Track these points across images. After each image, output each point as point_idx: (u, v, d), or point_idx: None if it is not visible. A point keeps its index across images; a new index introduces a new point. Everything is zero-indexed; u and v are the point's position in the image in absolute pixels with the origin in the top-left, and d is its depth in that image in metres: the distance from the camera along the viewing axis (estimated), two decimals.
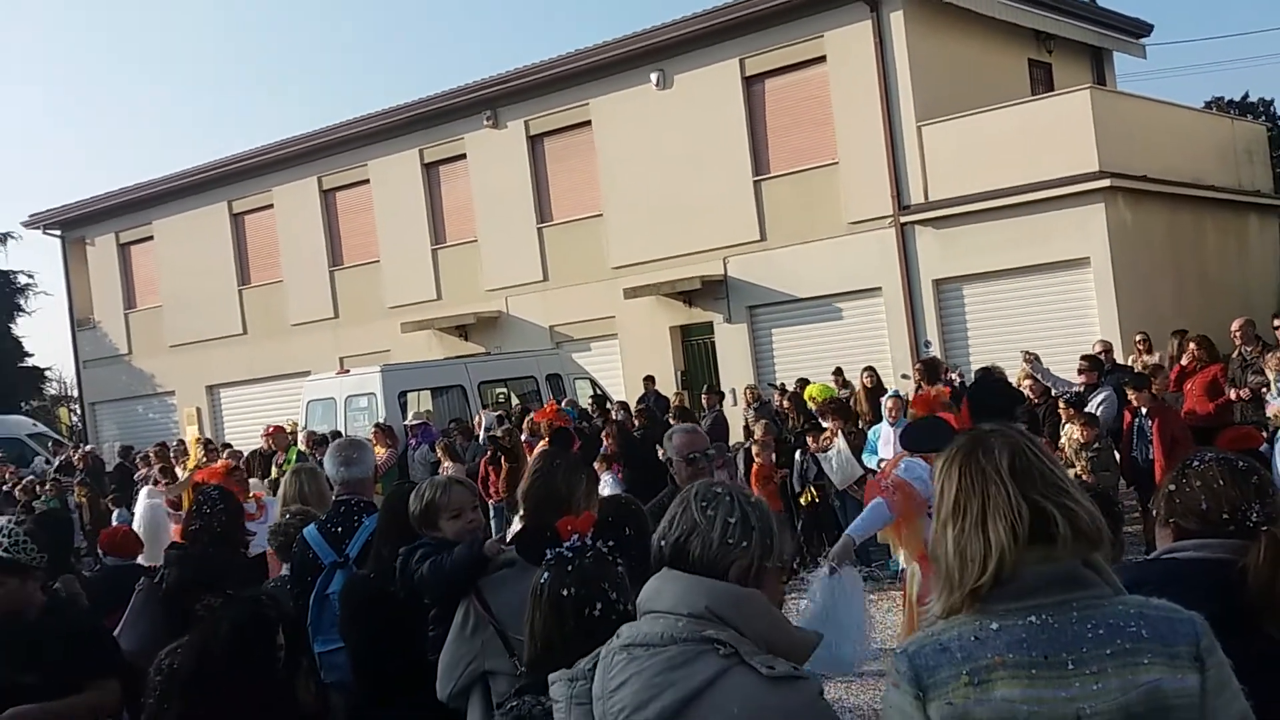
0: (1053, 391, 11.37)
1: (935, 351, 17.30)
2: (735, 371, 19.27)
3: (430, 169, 23.22)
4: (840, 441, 11.16)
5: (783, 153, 19.21)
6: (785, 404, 14.18)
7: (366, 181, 23.98)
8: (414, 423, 15.13)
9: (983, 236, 17.07)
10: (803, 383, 15.41)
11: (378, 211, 23.87)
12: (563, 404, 15.08)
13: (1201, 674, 1.88)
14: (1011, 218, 16.71)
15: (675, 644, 2.10)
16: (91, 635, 4.37)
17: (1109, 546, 2.02)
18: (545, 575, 2.65)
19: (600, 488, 5.91)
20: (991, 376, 12.67)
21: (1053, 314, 16.57)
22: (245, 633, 3.35)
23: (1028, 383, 11.83)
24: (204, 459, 13.92)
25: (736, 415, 16.05)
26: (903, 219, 17.83)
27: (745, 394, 15.60)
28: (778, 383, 16.86)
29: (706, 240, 19.54)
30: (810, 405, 13.73)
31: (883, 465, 10.16)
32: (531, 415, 14.39)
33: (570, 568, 2.63)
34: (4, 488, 18.19)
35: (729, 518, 2.20)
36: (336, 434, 15.23)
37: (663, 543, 2.26)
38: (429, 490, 4.03)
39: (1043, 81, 20.11)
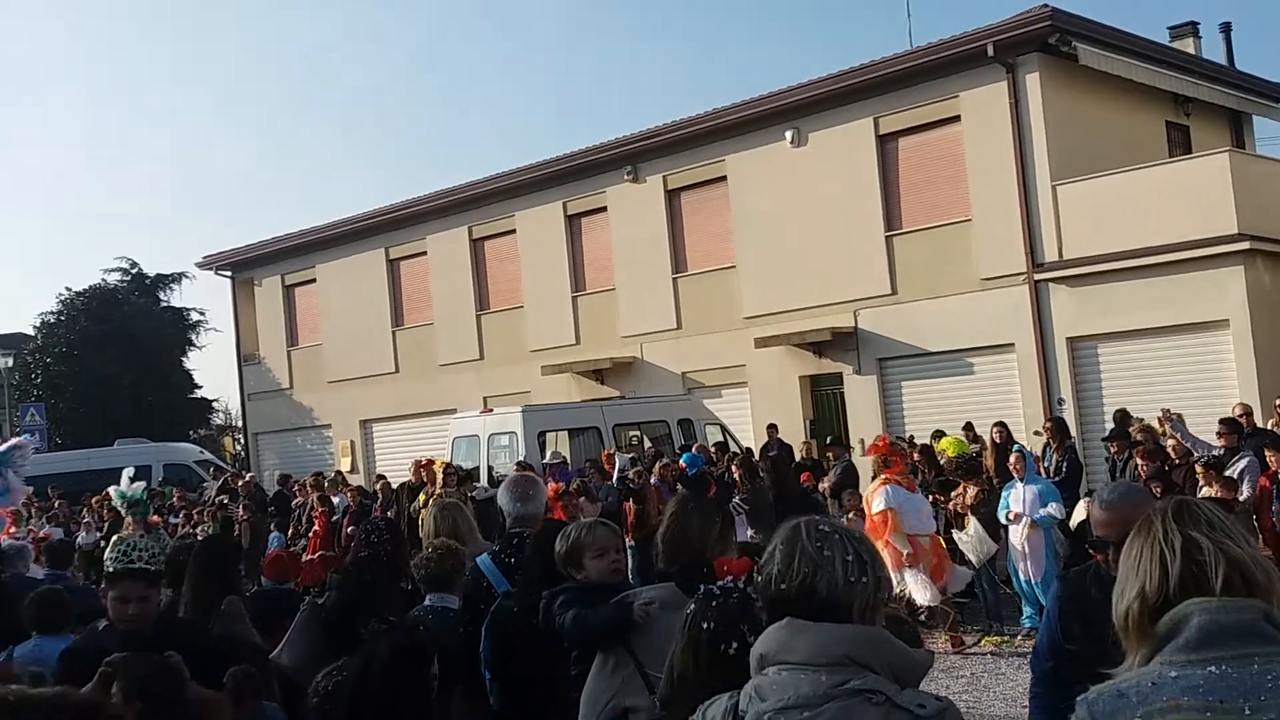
0: (1194, 454, 11.34)
1: (1070, 410, 17.23)
2: (864, 422, 19.34)
3: (573, 220, 24.04)
4: (974, 524, 11.13)
5: (916, 209, 19.34)
6: (916, 456, 14.08)
7: (513, 231, 24.93)
8: (552, 462, 15.59)
9: (1119, 296, 16.94)
10: (938, 434, 15.36)
11: (523, 260, 24.77)
12: (693, 449, 15.44)
13: None
14: (1148, 278, 16.56)
15: (830, 701, 2.06)
16: (207, 645, 4.39)
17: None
18: (691, 608, 2.72)
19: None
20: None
21: (1190, 376, 16.29)
22: (402, 658, 3.46)
23: (1170, 442, 11.80)
24: (442, 485, 14.02)
25: (866, 465, 16.23)
26: (1037, 276, 17.78)
27: None
28: (907, 435, 16.99)
29: (837, 293, 19.75)
30: (940, 459, 13.92)
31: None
32: (664, 460, 14.90)
33: (714, 604, 2.69)
34: (178, 512, 19.50)
35: (846, 556, 2.21)
36: (474, 470, 16.00)
37: (784, 585, 2.22)
38: (575, 530, 4.17)
39: (1180, 144, 19.85)
